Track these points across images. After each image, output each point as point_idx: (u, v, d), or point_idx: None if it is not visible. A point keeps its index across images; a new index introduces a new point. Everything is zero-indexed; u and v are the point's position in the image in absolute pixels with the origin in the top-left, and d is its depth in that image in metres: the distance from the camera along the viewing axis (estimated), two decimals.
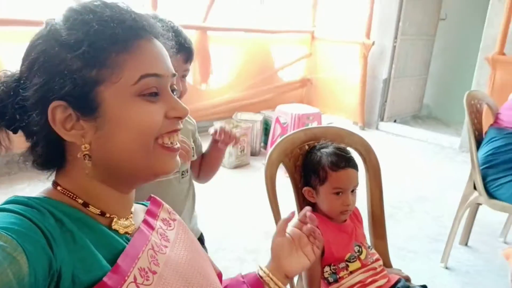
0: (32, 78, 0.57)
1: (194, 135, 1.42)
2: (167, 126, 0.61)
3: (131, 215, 0.68)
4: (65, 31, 0.56)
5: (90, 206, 0.61)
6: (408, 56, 5.21)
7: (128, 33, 0.58)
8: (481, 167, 2.12)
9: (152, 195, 0.80)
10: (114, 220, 0.63)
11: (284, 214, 1.33)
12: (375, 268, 1.30)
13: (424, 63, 5.66)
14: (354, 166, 1.29)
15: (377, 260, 1.32)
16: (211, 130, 1.36)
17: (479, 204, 2.27)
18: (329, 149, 1.31)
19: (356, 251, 1.29)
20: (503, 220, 2.64)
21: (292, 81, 5.27)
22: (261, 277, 0.83)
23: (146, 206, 0.76)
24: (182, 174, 1.35)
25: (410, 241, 2.57)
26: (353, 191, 1.29)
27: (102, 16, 0.57)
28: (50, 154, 0.61)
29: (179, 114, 0.62)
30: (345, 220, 1.33)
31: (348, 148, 1.36)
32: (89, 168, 0.59)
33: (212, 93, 4.35)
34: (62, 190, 0.60)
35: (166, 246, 0.68)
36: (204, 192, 1.74)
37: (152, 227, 0.70)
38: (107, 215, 0.63)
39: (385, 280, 1.29)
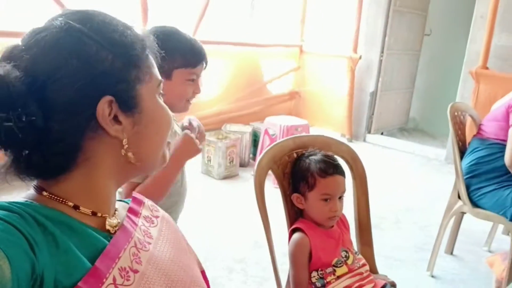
0: (66, 77, 0.56)
1: None
2: None
3: (116, 212, 0.68)
4: (96, 35, 0.58)
5: (80, 207, 0.60)
6: (394, 70, 5.31)
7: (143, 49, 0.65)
8: (465, 177, 2.17)
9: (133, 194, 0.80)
10: (107, 220, 0.64)
11: (272, 222, 1.36)
12: (361, 273, 1.32)
13: (410, 77, 5.77)
14: (342, 173, 1.33)
15: (363, 265, 1.35)
16: (185, 121, 1.44)
17: (464, 213, 2.32)
18: (318, 156, 1.34)
19: (343, 256, 1.31)
20: (487, 230, 2.69)
21: (280, 94, 5.33)
22: None
23: (128, 203, 0.75)
24: None
25: (396, 250, 2.60)
26: (340, 197, 1.33)
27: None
28: (59, 160, 0.58)
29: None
30: (333, 226, 1.36)
31: (335, 157, 1.40)
32: (133, 160, 0.64)
33: (201, 105, 4.37)
34: (48, 195, 0.59)
35: (149, 243, 0.68)
36: (193, 202, 1.75)
37: (135, 224, 0.70)
38: (99, 214, 0.63)
39: (372, 285, 1.31)
